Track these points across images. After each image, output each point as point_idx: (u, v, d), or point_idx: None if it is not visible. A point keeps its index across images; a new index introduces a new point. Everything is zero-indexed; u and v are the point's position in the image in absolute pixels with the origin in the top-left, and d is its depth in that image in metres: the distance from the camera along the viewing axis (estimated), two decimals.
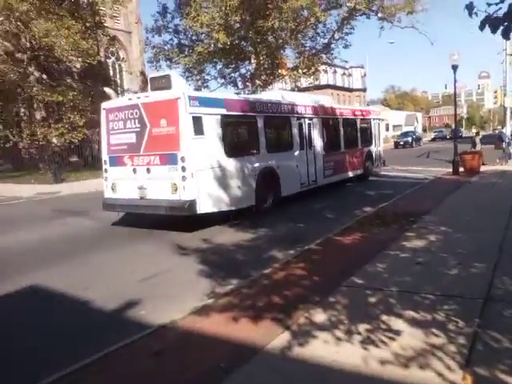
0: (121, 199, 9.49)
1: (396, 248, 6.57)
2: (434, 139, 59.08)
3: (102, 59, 26.55)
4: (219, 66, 25.98)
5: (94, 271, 6.76)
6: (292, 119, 12.04)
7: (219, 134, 9.26)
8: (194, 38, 24.58)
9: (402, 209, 9.67)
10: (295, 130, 12.14)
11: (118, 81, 31.16)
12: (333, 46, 26.76)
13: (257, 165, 10.31)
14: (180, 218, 9.09)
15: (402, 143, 44.32)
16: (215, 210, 9.05)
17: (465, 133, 60.70)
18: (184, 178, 8.42)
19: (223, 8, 20.10)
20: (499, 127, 58.05)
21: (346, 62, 32.24)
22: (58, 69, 20.75)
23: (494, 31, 3.27)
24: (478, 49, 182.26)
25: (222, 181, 9.22)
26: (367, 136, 16.93)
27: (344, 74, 62.56)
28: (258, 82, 24.21)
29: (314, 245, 7.16)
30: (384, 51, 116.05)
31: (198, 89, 24.82)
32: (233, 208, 9.54)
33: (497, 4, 3.23)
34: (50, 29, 17.57)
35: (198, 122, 8.65)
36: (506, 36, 3.32)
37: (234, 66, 25.87)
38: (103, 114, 9.77)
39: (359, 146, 16.15)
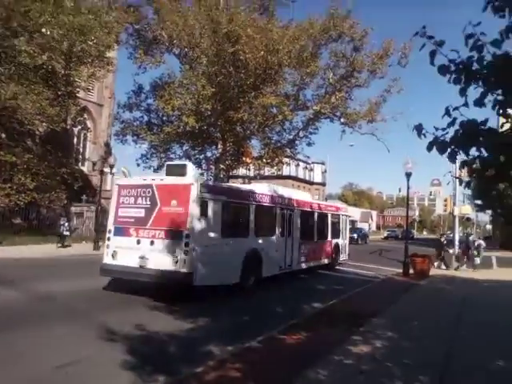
0: (120, 266, 10.10)
1: (341, 352, 6.30)
2: (386, 237, 61.14)
3: (68, 127, 26.65)
4: (185, 147, 26.56)
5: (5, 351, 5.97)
6: (276, 209, 13.50)
7: (218, 216, 10.36)
8: (164, 118, 25.32)
9: (350, 308, 9.55)
10: (278, 219, 13.54)
11: (81, 149, 31.16)
12: (297, 142, 28.19)
13: (245, 246, 11.33)
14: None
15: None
16: (208, 283, 9.86)
17: (416, 234, 63.19)
18: (186, 253, 9.38)
19: (196, 96, 21.06)
20: (448, 232, 60.70)
21: (308, 157, 33.84)
22: (19, 130, 20.47)
23: (441, 153, 3.47)
24: (431, 156, 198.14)
25: (216, 258, 10.07)
26: (336, 229, 18.57)
27: (306, 167, 65.43)
28: (222, 166, 24.76)
29: (255, 342, 6.76)
30: (344, 151, 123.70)
31: (161, 166, 25.09)
32: (222, 283, 10.34)
33: (443, 129, 3.47)
34: (18, 92, 17.64)
35: (204, 205, 9.87)
36: (452, 159, 3.53)
37: (200, 148, 26.53)
38: (116, 188, 10.95)
39: (329, 238, 17.68)
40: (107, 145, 27.98)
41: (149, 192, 10.15)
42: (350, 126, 27.97)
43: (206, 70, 21.26)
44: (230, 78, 21.81)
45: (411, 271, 16.72)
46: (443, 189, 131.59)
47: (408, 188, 18.92)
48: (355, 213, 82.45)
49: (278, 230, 13.39)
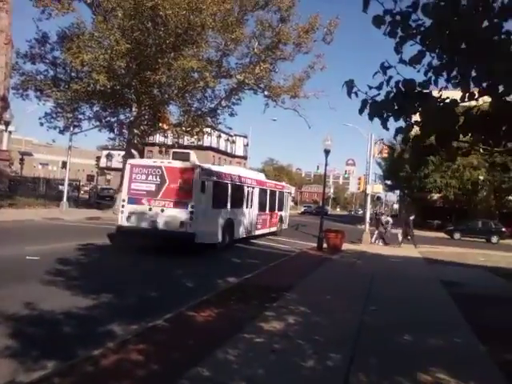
0: (134, 227, 13.22)
1: (252, 330, 5.91)
2: (303, 213, 62.98)
3: None
4: (96, 108, 24.36)
5: None
6: (244, 187, 17.09)
7: (210, 193, 13.41)
8: (72, 74, 22.81)
9: (265, 282, 9.27)
10: (244, 195, 17.08)
11: None
12: (219, 111, 27.36)
13: (224, 215, 14.72)
14: None
15: None
16: (202, 241, 12.92)
17: (330, 211, 65.91)
18: (191, 219, 12.58)
19: (109, 51, 19.13)
20: (359, 209, 64.24)
21: (230, 128, 33.26)
22: None
23: (374, 115, 2.97)
24: (348, 139, 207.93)
25: (209, 223, 13.44)
26: (281, 203, 22.77)
27: (228, 139, 64.74)
28: (136, 131, 23.13)
29: (161, 320, 6.13)
30: (267, 125, 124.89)
31: (67, 127, 22.84)
32: (210, 242, 13.55)
33: (378, 88, 2.96)
34: None
35: (203, 184, 12.91)
36: (384, 125, 3.03)
37: (112, 110, 24.51)
38: (128, 167, 13.68)
39: (276, 211, 21.60)
40: (3, 99, 24.55)
41: (158, 171, 13.13)
42: (274, 100, 27.78)
43: (122, 24, 19.29)
44: (147, 35, 20.07)
45: (325, 246, 17.04)
46: (357, 168, 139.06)
47: (326, 164, 19.13)
48: None
49: (244, 204, 17.00)
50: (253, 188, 18.07)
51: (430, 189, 40.78)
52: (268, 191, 20.37)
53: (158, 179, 13.11)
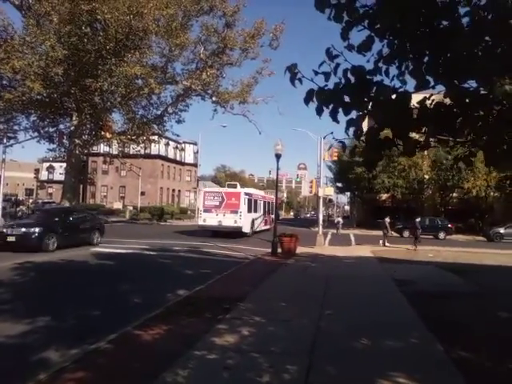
0: (208, 225, 24.68)
1: (204, 346, 5.52)
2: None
3: None
4: (33, 118, 22.92)
5: None
6: (257, 200, 28.36)
7: (247, 204, 23.86)
8: (4, 82, 21.31)
9: (218, 293, 8.90)
10: (257, 204, 28.19)
11: None
12: (165, 118, 26.72)
13: (251, 217, 25.52)
14: None
15: None
16: (245, 231, 24.39)
17: (283, 215, 66.33)
18: (240, 218, 23.81)
19: (44, 58, 18.02)
20: (312, 212, 65.55)
21: (177, 135, 32.72)
22: None
23: (319, 112, 2.69)
24: (299, 143, 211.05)
25: (246, 221, 24.68)
26: (271, 209, 32.18)
27: (177, 147, 63.50)
28: (77, 141, 21.95)
29: (104, 342, 5.61)
30: (217, 132, 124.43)
31: (0, 138, 21.21)
32: (249, 232, 25.00)
33: (325, 74, 2.68)
34: None
35: (244, 200, 23.82)
36: (334, 117, 2.75)
37: (51, 120, 23.17)
38: (202, 193, 25.96)
39: (269, 214, 31.91)
40: None
41: (220, 194, 24.68)
42: (222, 106, 27.52)
43: (57, 29, 18.24)
44: (86, 41, 19.12)
45: (280, 250, 16.88)
46: (308, 172, 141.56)
47: (278, 169, 19.09)
48: None
49: (257, 210, 28.37)
50: (260, 200, 29.83)
51: (379, 189, 42.04)
52: (265, 201, 31.74)
53: (220, 198, 24.70)
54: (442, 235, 33.61)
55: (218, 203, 24.24)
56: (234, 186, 26.90)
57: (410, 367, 4.94)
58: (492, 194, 38.87)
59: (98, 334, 5.93)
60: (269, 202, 32.38)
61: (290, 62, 2.75)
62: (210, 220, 24.23)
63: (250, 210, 23.78)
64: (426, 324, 6.93)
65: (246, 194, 21.86)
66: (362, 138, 2.64)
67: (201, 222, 24.90)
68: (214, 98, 27.33)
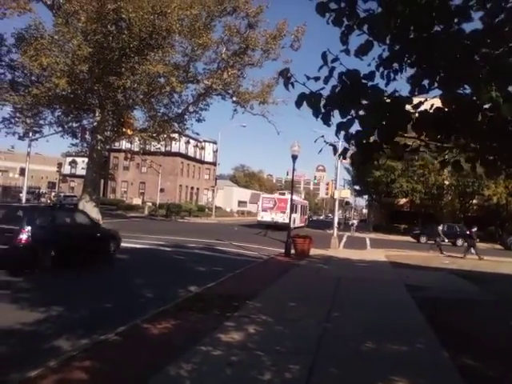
0: (264, 220, 36.02)
1: (210, 342, 5.63)
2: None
3: None
4: (58, 113, 23.46)
5: None
6: (297, 204, 36.51)
7: (291, 207, 21.50)
8: (32, 78, 21.87)
9: (228, 291, 8.99)
10: (297, 207, 37.31)
11: None
12: (186, 117, 26.92)
13: (294, 216, 27.98)
14: None
15: None
16: (294, 226, 28.13)
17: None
18: (288, 217, 23.01)
19: (70, 55, 18.45)
20: (330, 214, 66.36)
21: (197, 134, 32.82)
22: None
23: (314, 111, 2.75)
24: (318, 145, 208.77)
25: (293, 218, 24.92)
26: (305, 211, 47.30)
27: (197, 145, 64.02)
28: (99, 136, 22.36)
29: (113, 334, 5.77)
30: (237, 131, 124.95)
31: (26, 133, 21.88)
32: (294, 226, 29.59)
33: (316, 79, 2.75)
34: None
35: (290, 204, 21.64)
36: (326, 121, 2.82)
37: (75, 115, 23.69)
38: (261, 198, 38.65)
39: (304, 214, 44.96)
40: None
41: (273, 199, 37.19)
42: (242, 106, 27.56)
43: (84, 28, 18.66)
44: (111, 39, 19.46)
45: (293, 251, 16.92)
46: (327, 174, 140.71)
47: (294, 170, 19.10)
48: (246, 194, 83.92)
49: (297, 211, 36.68)
50: (298, 204, 39.16)
51: (397, 193, 41.54)
52: (302, 204, 43.96)
53: (273, 202, 35.92)
54: (460, 242, 33.00)
55: (271, 205, 35.94)
56: (283, 194, 37.95)
57: (413, 372, 4.95)
58: None
59: (108, 326, 6.10)
60: (303, 205, 45.36)
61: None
62: (266, 217, 35.64)
63: (292, 211, 26.33)
64: (433, 330, 6.89)
65: (292, 199, 24.46)
66: (352, 141, 2.70)
67: (259, 218, 36.90)
68: (234, 98, 27.41)
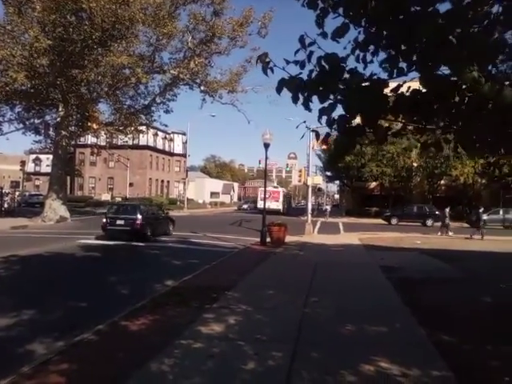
0: (261, 207, 26.47)
1: (190, 335, 5.56)
2: (245, 209, 62.13)
3: None
4: (18, 109, 22.52)
5: None
6: (283, 195, 50.97)
7: (283, 197, 49.59)
8: None
9: (205, 283, 8.91)
10: (284, 198, 51.14)
11: None
12: (153, 108, 26.42)
13: (282, 203, 49.44)
14: None
15: None
16: (284, 212, 47.78)
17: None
18: (280, 204, 47.71)
19: (28, 48, 17.64)
20: (303, 201, 70.27)
21: (166, 126, 32.31)
22: None
23: (294, 100, 2.69)
24: (290, 133, 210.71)
25: (285, 206, 50.94)
26: (289, 199, 64.40)
27: (165, 137, 63.03)
28: (64, 132, 21.64)
29: (90, 333, 5.61)
30: (207, 121, 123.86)
31: None
32: (285, 213, 47.13)
33: (298, 64, 2.68)
34: None
35: (282, 195, 49.80)
36: (306, 106, 2.76)
37: (36, 111, 22.79)
38: (260, 190, 44.87)
39: (288, 203, 59.90)
40: None
41: (268, 191, 32.16)
42: (211, 95, 27.28)
43: (41, 18, 17.85)
44: (71, 31, 18.71)
45: (268, 240, 16.94)
46: (298, 161, 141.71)
47: (266, 158, 19.05)
48: (218, 185, 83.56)
49: (284, 200, 50.55)
50: (283, 194, 50.21)
51: (367, 178, 42.30)
52: (285, 194, 53.86)
53: (269, 194, 34.97)
54: (429, 222, 33.99)
55: (267, 196, 41.75)
56: (276, 187, 52.82)
57: (393, 351, 5.03)
58: (479, 180, 39.33)
59: (84, 326, 5.92)
60: (288, 195, 61.42)
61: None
62: (263, 205, 43.28)
63: (283, 200, 42.53)
64: (410, 309, 7.05)
65: (283, 191, 38.68)
66: (334, 126, 2.65)
67: (258, 206, 46.56)
68: (202, 88, 27.06)
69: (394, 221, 34.58)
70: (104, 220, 17.74)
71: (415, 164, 41.06)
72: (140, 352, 4.98)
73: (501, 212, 33.15)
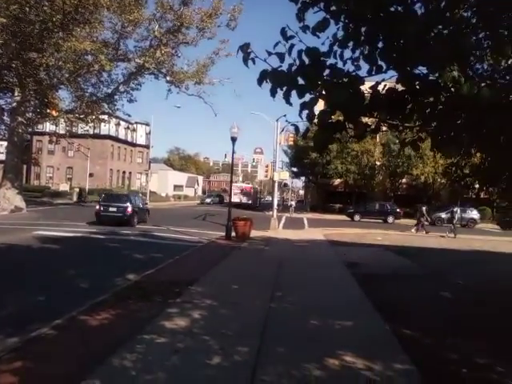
0: (234, 201, 31.87)
1: (153, 330, 5.40)
2: (209, 203, 61.52)
3: None
4: None
5: None
6: (252, 192, 56.95)
7: (254, 193, 58.94)
8: None
9: (168, 277, 8.73)
10: (251, 194, 55.01)
11: None
12: (116, 97, 25.64)
13: (249, 198, 52.56)
14: None
15: None
16: (254, 205, 53.28)
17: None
18: (251, 200, 52.89)
19: None
20: (268, 197, 72.22)
21: (129, 115, 31.56)
22: None
23: (273, 93, 2.61)
24: (256, 127, 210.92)
25: (254, 201, 56.17)
26: (257, 194, 66.69)
27: (128, 127, 61.53)
28: (20, 118, 20.60)
29: (47, 329, 5.35)
30: (171, 113, 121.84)
31: None
32: (254, 205, 54.01)
33: (279, 55, 2.60)
34: None
35: (254, 191, 59.49)
36: (287, 99, 2.69)
37: None
38: (234, 187, 38.27)
39: (257, 198, 65.37)
40: None
41: (241, 187, 54.57)
42: (177, 86, 26.82)
43: None
44: (28, 10, 17.72)
45: (234, 234, 16.86)
46: (265, 156, 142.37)
47: (233, 152, 18.93)
48: (182, 178, 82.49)
49: (250, 197, 53.10)
50: (253, 190, 57.07)
51: (332, 174, 43.01)
52: (253, 190, 58.90)
53: (240, 190, 50.91)
54: (390, 219, 34.99)
55: (239, 191, 48.89)
56: (248, 183, 58.47)
57: (358, 346, 5.08)
58: (439, 180, 40.84)
59: (41, 321, 5.65)
60: (257, 191, 65.65)
61: (251, 43, 2.66)
62: (236, 199, 41.11)
63: (253, 196, 44.00)
64: (374, 304, 7.17)
65: (254, 188, 39.61)
66: (315, 121, 2.60)
67: (233, 200, 46.86)
68: (168, 78, 26.53)
69: (356, 217, 35.34)
70: (97, 207, 19.82)
71: (378, 162, 42.08)
72: (101, 347, 4.80)
73: (458, 211, 34.52)
